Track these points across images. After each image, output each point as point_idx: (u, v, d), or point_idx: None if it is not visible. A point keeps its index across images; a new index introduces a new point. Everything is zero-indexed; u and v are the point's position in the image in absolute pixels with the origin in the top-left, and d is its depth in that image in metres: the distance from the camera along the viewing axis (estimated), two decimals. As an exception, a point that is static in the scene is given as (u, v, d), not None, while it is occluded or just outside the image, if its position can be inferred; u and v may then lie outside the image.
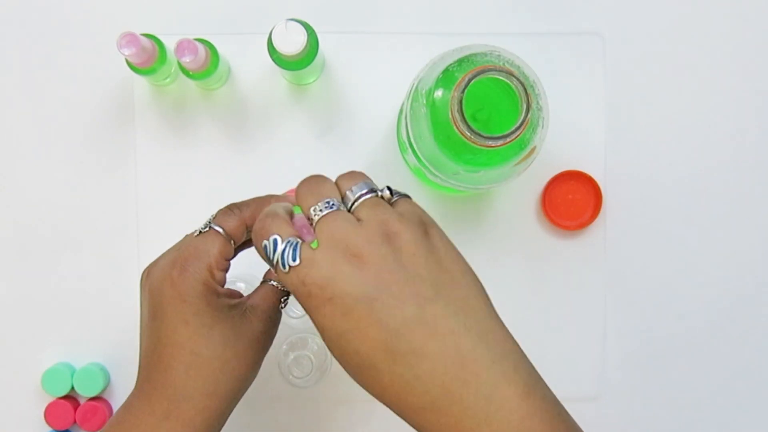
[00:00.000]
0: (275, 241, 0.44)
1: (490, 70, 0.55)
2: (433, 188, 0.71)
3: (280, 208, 0.48)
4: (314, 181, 0.48)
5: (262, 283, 0.56)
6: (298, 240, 0.44)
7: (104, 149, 0.73)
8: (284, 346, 0.69)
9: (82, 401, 0.73)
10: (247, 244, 0.57)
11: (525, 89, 0.55)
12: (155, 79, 0.70)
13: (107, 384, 0.73)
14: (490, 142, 0.55)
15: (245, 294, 0.69)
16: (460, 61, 0.58)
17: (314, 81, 0.73)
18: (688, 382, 0.75)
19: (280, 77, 0.73)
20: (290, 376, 0.68)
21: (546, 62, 0.73)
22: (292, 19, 0.63)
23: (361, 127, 0.73)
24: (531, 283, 0.74)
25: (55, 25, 0.73)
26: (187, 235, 0.54)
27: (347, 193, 0.47)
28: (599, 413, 0.74)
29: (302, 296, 0.43)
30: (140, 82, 0.72)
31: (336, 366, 0.71)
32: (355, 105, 0.73)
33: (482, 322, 0.43)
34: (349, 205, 0.46)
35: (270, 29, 0.63)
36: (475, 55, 0.58)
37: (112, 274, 0.73)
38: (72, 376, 0.72)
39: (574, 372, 0.74)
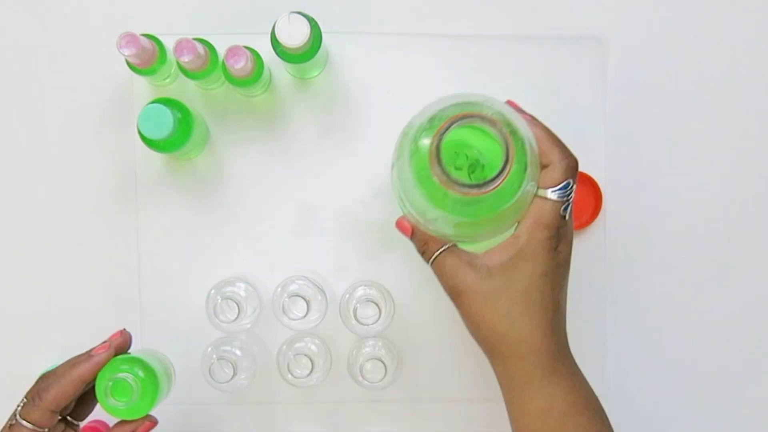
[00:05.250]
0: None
1: (472, 117, 0.52)
2: None
3: None
4: None
5: None
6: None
7: (104, 149, 0.73)
8: (283, 346, 0.69)
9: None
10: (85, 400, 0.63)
11: (506, 140, 0.52)
12: (155, 79, 0.70)
13: None
14: (465, 189, 0.52)
15: (245, 295, 0.69)
16: (449, 107, 0.55)
17: (317, 75, 0.73)
18: (688, 382, 0.75)
19: (283, 71, 0.73)
20: (290, 376, 0.68)
21: (547, 63, 0.73)
22: (295, 12, 0.63)
23: (364, 122, 0.73)
24: (531, 283, 0.74)
25: (55, 26, 0.73)
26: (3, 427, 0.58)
27: None
28: (599, 413, 0.74)
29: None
30: (140, 82, 0.72)
31: (336, 366, 0.72)
32: (359, 99, 0.73)
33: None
34: None
35: (273, 23, 0.63)
36: (466, 103, 0.55)
37: (112, 273, 0.73)
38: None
39: (574, 372, 0.74)
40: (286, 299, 0.67)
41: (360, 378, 0.69)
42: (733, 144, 0.74)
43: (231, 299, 0.67)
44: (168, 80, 0.71)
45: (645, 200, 0.74)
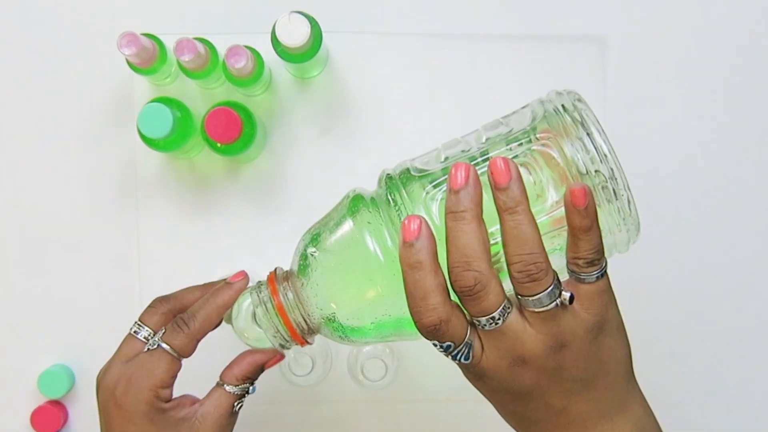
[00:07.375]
0: (449, 346, 0.45)
1: None
2: None
3: (440, 304, 0.44)
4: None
5: (217, 385, 0.55)
6: (471, 342, 0.45)
7: (104, 149, 0.73)
8: (284, 346, 0.69)
9: (69, 406, 0.73)
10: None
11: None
12: (155, 79, 0.70)
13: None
14: None
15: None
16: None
17: (318, 74, 0.73)
18: (688, 381, 0.75)
19: (283, 71, 0.73)
20: (290, 375, 0.68)
21: (546, 64, 0.73)
22: (295, 12, 0.63)
23: (364, 121, 0.73)
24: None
25: (55, 26, 0.73)
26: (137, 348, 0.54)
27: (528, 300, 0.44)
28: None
29: (464, 373, 0.47)
30: (140, 81, 0.72)
31: (336, 365, 0.71)
32: (359, 99, 0.73)
33: (613, 400, 0.48)
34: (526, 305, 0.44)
35: (273, 22, 0.63)
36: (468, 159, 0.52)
37: (112, 273, 0.73)
38: (70, 378, 0.72)
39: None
40: (286, 299, 0.67)
41: (360, 377, 0.69)
42: (734, 143, 0.74)
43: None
44: (168, 80, 0.71)
45: (645, 200, 0.74)
